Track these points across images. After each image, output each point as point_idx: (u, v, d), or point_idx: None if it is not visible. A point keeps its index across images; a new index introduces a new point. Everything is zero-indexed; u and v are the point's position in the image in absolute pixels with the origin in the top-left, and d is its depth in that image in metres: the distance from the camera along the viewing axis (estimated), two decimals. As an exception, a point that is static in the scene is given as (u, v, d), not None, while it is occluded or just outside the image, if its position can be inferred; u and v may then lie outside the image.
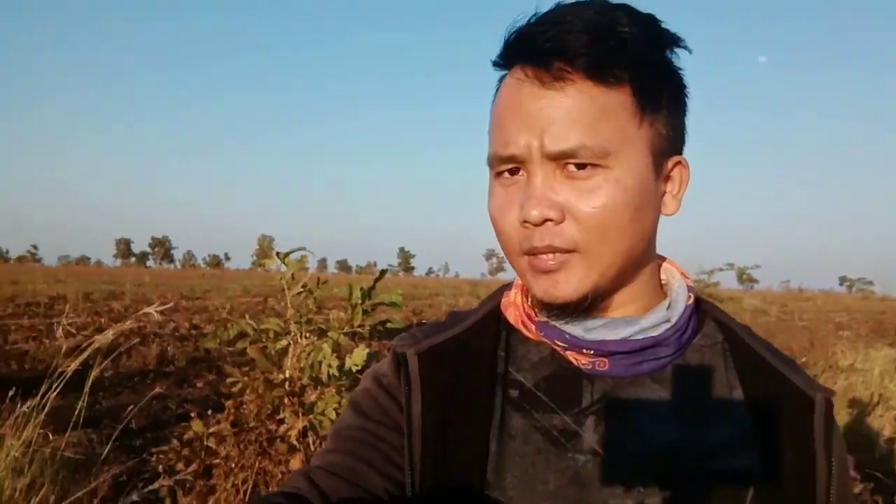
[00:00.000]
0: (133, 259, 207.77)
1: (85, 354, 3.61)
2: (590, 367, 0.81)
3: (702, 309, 0.89)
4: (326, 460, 0.80)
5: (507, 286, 0.91)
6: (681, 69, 0.80)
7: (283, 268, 4.06)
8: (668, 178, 0.80)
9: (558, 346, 0.82)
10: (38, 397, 3.73)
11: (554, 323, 0.81)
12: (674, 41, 0.78)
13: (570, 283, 0.76)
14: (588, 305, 0.78)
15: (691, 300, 0.85)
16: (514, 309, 0.86)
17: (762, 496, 0.77)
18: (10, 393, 4.10)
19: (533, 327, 0.83)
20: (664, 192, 0.80)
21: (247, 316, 4.33)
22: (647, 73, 0.75)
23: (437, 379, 0.82)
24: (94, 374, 3.73)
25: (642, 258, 0.81)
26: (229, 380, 3.96)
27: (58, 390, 3.91)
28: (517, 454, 0.79)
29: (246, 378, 3.81)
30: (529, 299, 0.86)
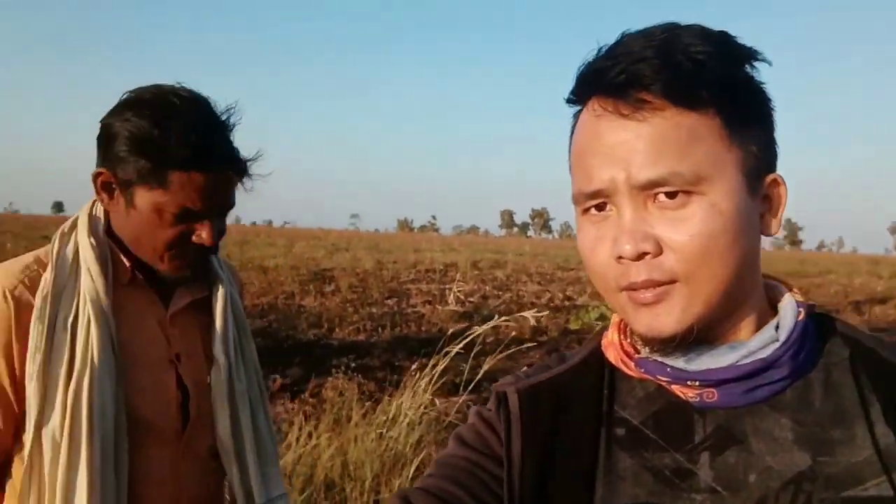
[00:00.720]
0: (515, 229, 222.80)
1: (465, 340, 4.02)
2: (698, 399, 0.76)
3: (823, 325, 0.81)
4: (426, 483, 0.81)
5: (606, 328, 0.88)
6: (763, 83, 0.75)
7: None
8: (765, 197, 0.76)
9: (662, 380, 0.77)
10: (429, 367, 4.24)
11: (654, 357, 0.77)
12: (752, 56, 0.74)
13: (672, 315, 0.72)
14: (694, 337, 0.73)
15: (802, 316, 0.77)
16: (612, 349, 0.83)
17: None
18: (414, 361, 4.71)
19: (633, 364, 0.79)
20: (762, 213, 0.76)
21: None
22: (730, 91, 0.71)
23: (538, 417, 0.81)
24: (488, 364, 4.11)
25: (747, 282, 0.75)
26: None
27: (447, 357, 4.42)
28: (627, 496, 0.76)
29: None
30: (628, 337, 0.83)
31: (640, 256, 0.71)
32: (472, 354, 4.52)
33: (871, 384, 0.75)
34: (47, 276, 1.30)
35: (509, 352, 5.02)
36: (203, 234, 1.32)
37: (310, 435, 4.01)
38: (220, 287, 1.51)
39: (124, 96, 1.34)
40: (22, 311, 1.26)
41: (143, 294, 1.41)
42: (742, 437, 0.74)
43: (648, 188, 0.70)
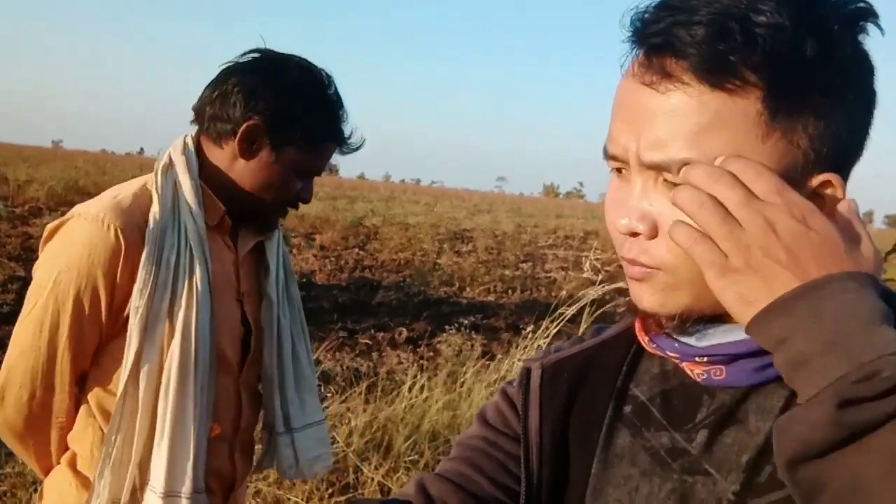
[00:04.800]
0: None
1: (578, 305, 3.99)
2: (705, 376, 0.70)
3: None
4: (443, 467, 0.81)
5: None
6: (855, 60, 0.63)
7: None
8: (814, 196, 0.64)
9: (671, 357, 0.72)
10: (542, 329, 4.25)
11: (668, 333, 0.72)
12: (848, 30, 0.62)
13: (654, 298, 0.68)
14: (697, 320, 0.68)
15: None
16: (637, 323, 0.78)
17: None
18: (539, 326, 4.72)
19: (646, 339, 0.75)
20: None
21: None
22: (790, 72, 0.60)
23: (557, 393, 0.79)
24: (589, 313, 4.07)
25: None
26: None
27: (559, 325, 4.40)
28: (621, 476, 0.73)
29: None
30: None
31: (633, 234, 0.67)
32: (594, 319, 4.47)
33: None
34: (155, 214, 1.38)
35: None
36: (308, 192, 1.54)
37: (422, 387, 4.14)
38: (274, 235, 1.64)
39: (264, 56, 1.48)
40: (131, 248, 1.35)
41: (219, 237, 1.51)
42: (743, 417, 0.69)
43: (654, 169, 0.65)
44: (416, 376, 4.21)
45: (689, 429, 0.71)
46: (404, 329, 7.02)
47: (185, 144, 1.48)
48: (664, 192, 0.65)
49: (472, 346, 5.51)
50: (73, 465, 1.46)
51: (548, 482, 0.77)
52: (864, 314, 0.54)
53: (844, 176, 0.66)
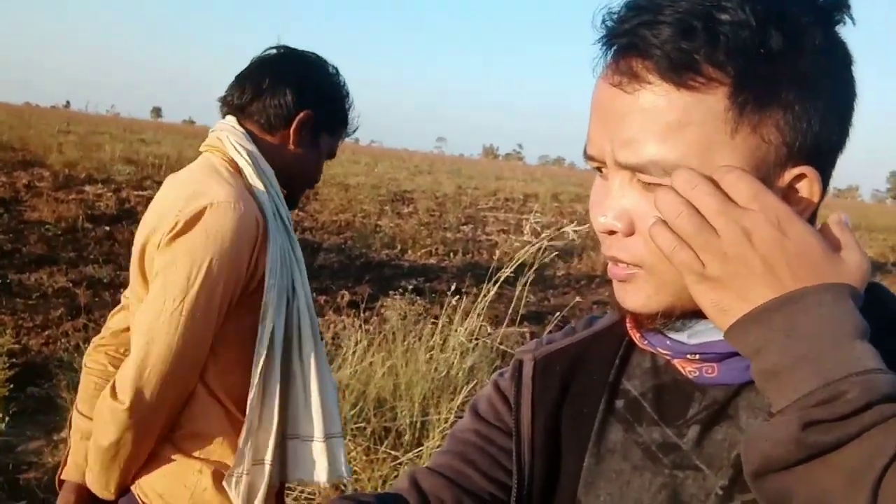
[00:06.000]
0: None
1: (511, 268, 4.02)
2: (697, 374, 0.71)
3: (871, 296, 0.67)
4: (435, 461, 0.82)
5: None
6: (827, 51, 0.63)
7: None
8: (790, 189, 0.64)
9: (663, 353, 0.73)
10: (482, 295, 4.27)
11: (660, 330, 0.72)
12: (825, 14, 0.63)
13: (637, 298, 0.68)
14: (681, 316, 0.68)
15: None
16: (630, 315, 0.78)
17: None
18: (481, 289, 4.72)
19: (638, 335, 0.75)
20: None
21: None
22: (755, 66, 0.60)
23: (549, 386, 0.79)
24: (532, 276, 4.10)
25: None
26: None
27: (497, 285, 4.43)
28: (613, 471, 0.74)
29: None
30: None
31: (611, 232, 0.68)
32: (527, 283, 4.50)
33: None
34: (264, 199, 1.50)
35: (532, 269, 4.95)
36: (321, 174, 1.73)
37: (365, 352, 4.14)
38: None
39: (292, 52, 1.66)
40: (262, 231, 1.47)
41: None
42: (735, 413, 0.69)
43: (629, 168, 0.65)
44: (358, 342, 4.20)
45: (681, 424, 0.72)
46: (346, 292, 6.99)
47: (241, 133, 1.56)
48: (640, 191, 0.66)
49: (417, 310, 5.52)
50: (188, 453, 1.49)
51: (540, 476, 0.78)
52: (836, 329, 0.55)
53: (823, 168, 0.66)
